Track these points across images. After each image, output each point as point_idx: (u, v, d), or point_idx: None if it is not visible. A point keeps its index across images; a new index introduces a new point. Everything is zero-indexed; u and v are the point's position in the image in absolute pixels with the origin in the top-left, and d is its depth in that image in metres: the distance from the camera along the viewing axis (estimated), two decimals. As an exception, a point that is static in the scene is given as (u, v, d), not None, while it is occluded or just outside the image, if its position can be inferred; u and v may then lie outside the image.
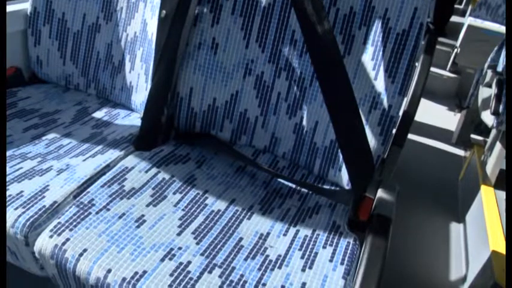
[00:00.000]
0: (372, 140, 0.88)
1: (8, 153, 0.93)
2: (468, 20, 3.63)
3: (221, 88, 0.98)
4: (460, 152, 2.37)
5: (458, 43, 3.66)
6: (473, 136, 2.22)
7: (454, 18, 4.14)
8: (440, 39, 3.96)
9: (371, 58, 0.89)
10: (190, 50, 0.98)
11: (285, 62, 0.95)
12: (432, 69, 3.66)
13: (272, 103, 0.98)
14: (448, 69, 3.72)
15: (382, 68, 0.87)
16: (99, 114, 1.14)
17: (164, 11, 0.96)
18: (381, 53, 0.88)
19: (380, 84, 0.87)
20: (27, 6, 1.23)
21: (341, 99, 0.81)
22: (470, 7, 3.98)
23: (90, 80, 1.21)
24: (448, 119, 2.96)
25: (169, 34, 0.94)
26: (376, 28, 0.88)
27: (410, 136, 1.83)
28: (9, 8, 1.23)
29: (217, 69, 0.97)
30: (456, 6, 4.39)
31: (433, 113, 3.10)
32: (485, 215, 1.37)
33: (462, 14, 4.53)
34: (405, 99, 1.00)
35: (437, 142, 2.55)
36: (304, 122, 0.96)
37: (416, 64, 1.59)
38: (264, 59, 0.96)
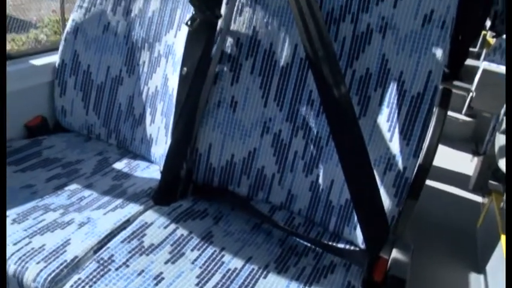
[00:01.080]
0: (386, 201, 0.89)
1: (32, 204, 0.96)
2: (483, 65, 3.65)
3: (239, 145, 1.01)
4: (477, 199, 2.34)
5: (473, 87, 3.68)
6: (491, 182, 2.20)
7: (469, 62, 4.17)
8: (456, 82, 3.99)
9: (386, 120, 0.91)
10: (210, 107, 1.01)
11: (302, 121, 0.98)
12: (448, 112, 3.67)
13: (289, 161, 1.00)
14: (463, 112, 3.72)
15: (397, 130, 0.89)
16: (119, 165, 1.18)
17: (185, 69, 1.00)
18: (396, 115, 0.90)
19: (395, 146, 0.89)
20: (56, 59, 1.29)
21: (356, 160, 0.83)
22: (484, 50, 4.01)
23: (112, 130, 1.25)
24: (464, 163, 2.94)
25: (189, 91, 0.98)
26: (392, 90, 0.91)
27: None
28: (40, 60, 1.29)
29: (236, 126, 1.00)
30: (471, 49, 4.43)
31: (448, 157, 3.08)
32: (506, 266, 1.35)
33: (477, 57, 4.55)
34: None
35: (453, 188, 2.53)
36: (320, 180, 0.97)
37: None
38: (282, 118, 0.99)
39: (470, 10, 3.79)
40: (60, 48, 1.26)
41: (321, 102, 0.85)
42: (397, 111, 0.90)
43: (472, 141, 3.58)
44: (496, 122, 2.77)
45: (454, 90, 3.95)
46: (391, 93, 0.91)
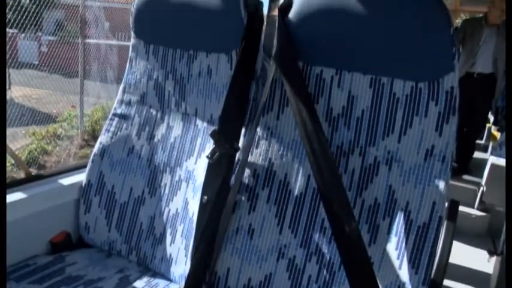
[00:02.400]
0: None
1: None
2: (491, 159, 3.72)
3: (256, 269, 1.05)
4: None
5: (483, 181, 3.72)
6: None
7: (477, 154, 4.25)
8: (465, 176, 4.04)
9: (395, 248, 0.95)
10: (228, 234, 1.07)
11: (316, 247, 1.03)
12: (460, 207, 3.68)
13: (303, 285, 1.03)
14: (476, 207, 3.72)
15: (405, 259, 0.94)
16: (139, 284, 1.21)
17: (206, 197, 1.08)
18: (404, 243, 0.95)
19: (404, 274, 0.93)
20: (82, 177, 1.38)
21: None
22: (491, 143, 4.10)
23: (132, 247, 1.31)
24: (480, 261, 2.90)
25: (209, 218, 1.05)
26: (399, 220, 0.96)
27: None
28: (68, 180, 1.38)
29: (253, 252, 1.06)
30: (477, 142, 4.54)
31: (464, 255, 3.04)
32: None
33: (484, 149, 4.64)
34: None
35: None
36: None
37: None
38: (296, 244, 1.04)
39: (473, 104, 3.93)
40: (88, 168, 1.36)
41: (332, 233, 0.90)
42: (405, 240, 0.95)
43: (488, 236, 3.55)
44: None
45: (464, 185, 4.00)
46: (399, 222, 0.96)
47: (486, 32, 3.71)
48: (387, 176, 0.99)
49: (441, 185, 0.95)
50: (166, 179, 1.27)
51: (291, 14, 1.04)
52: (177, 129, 1.27)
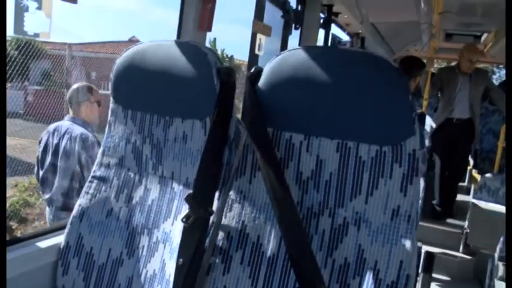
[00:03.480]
0: None
1: None
2: (473, 202, 3.78)
3: None
4: None
5: (466, 224, 3.76)
6: None
7: (460, 197, 4.31)
8: (449, 220, 4.08)
9: None
10: None
11: None
12: (445, 251, 3.70)
13: None
14: (461, 251, 3.74)
15: None
16: None
17: (181, 260, 1.09)
18: None
19: None
20: (60, 240, 1.38)
21: None
22: (472, 186, 4.17)
23: (111, 310, 1.30)
24: None
25: (184, 281, 1.06)
26: (368, 279, 0.99)
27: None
28: (46, 242, 1.38)
29: None
30: (461, 184, 4.62)
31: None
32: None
33: (467, 192, 4.70)
34: None
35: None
36: None
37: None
38: None
39: (454, 148, 4.02)
40: (66, 230, 1.37)
41: None
42: None
43: (475, 279, 3.55)
44: (493, 265, 2.79)
45: (448, 229, 4.03)
46: (368, 281, 0.98)
47: (460, 80, 3.86)
48: (356, 236, 1.02)
49: (407, 244, 0.98)
50: (144, 240, 1.28)
51: (261, 82, 1.09)
52: (154, 192, 1.30)
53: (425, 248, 3.81)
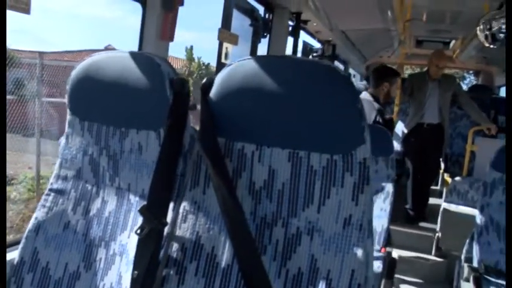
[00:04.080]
0: None
1: None
2: (443, 205, 3.84)
3: None
4: None
5: (438, 227, 3.82)
6: None
7: (433, 201, 4.38)
8: (422, 224, 4.14)
9: None
10: None
11: None
12: (417, 254, 3.75)
13: None
14: (433, 254, 3.79)
15: None
16: None
17: (136, 272, 1.08)
18: None
19: None
20: (14, 255, 1.35)
21: None
22: (444, 189, 4.24)
23: (68, 326, 1.27)
24: None
25: None
26: None
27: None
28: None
29: None
30: (433, 187, 4.69)
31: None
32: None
33: (439, 195, 4.78)
34: None
35: None
36: None
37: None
38: None
39: (426, 152, 4.09)
40: (21, 246, 1.33)
41: None
42: None
43: (447, 282, 3.61)
44: (460, 267, 2.84)
45: (421, 232, 4.08)
46: None
47: (430, 86, 3.94)
48: (309, 246, 1.02)
49: (359, 252, 0.98)
50: (101, 253, 1.27)
51: (212, 93, 1.09)
52: (111, 204, 1.28)
53: (398, 252, 3.87)
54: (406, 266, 3.69)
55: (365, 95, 2.99)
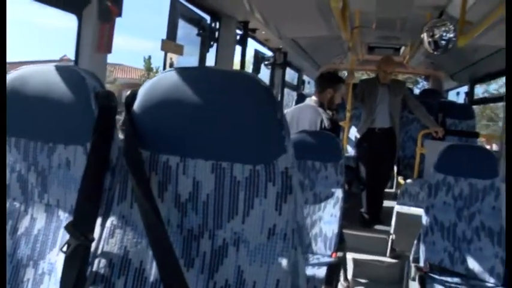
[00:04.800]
0: None
1: None
2: (396, 208, 3.94)
3: None
4: None
5: (391, 229, 3.91)
6: None
7: (388, 203, 4.47)
8: (376, 226, 4.22)
9: None
10: None
11: None
12: (372, 257, 3.82)
13: None
14: (388, 255, 3.88)
15: None
16: None
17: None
18: None
19: None
20: None
21: None
22: (399, 191, 4.35)
23: None
24: None
25: None
26: None
27: None
28: None
29: None
30: (388, 190, 4.79)
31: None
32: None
33: (394, 197, 4.89)
34: None
35: None
36: None
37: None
38: None
39: (378, 157, 4.17)
40: None
41: None
42: None
43: (401, 282, 3.68)
44: (408, 268, 2.91)
45: (375, 235, 4.17)
46: None
47: (380, 91, 4.04)
48: (236, 257, 1.02)
49: (284, 262, 0.99)
50: (29, 273, 1.23)
51: (136, 106, 1.08)
52: (40, 221, 1.25)
53: (353, 255, 3.93)
54: (362, 269, 3.76)
55: (309, 101, 3.04)
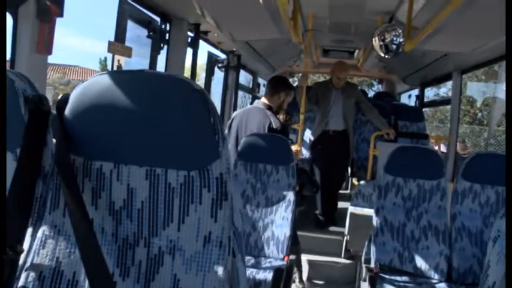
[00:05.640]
0: None
1: None
2: (350, 209, 3.99)
3: None
4: None
5: (346, 230, 3.96)
6: None
7: (343, 204, 4.53)
8: (331, 228, 4.27)
9: None
10: None
11: None
12: (327, 258, 3.86)
13: None
14: (342, 256, 3.92)
15: None
16: None
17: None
18: None
19: None
20: None
21: None
22: (353, 192, 4.42)
23: None
24: None
25: None
26: None
27: None
28: None
29: None
30: (342, 192, 4.86)
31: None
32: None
33: (349, 199, 4.97)
34: None
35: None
36: None
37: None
38: None
39: (332, 159, 4.22)
40: None
41: None
42: None
43: (355, 282, 3.73)
44: (360, 269, 2.96)
45: (330, 236, 4.21)
46: None
47: (334, 94, 4.09)
48: (171, 266, 1.00)
49: (220, 270, 0.97)
50: None
51: (67, 110, 1.03)
52: None
53: (308, 257, 3.95)
54: (317, 270, 3.79)
55: (257, 103, 3.04)
